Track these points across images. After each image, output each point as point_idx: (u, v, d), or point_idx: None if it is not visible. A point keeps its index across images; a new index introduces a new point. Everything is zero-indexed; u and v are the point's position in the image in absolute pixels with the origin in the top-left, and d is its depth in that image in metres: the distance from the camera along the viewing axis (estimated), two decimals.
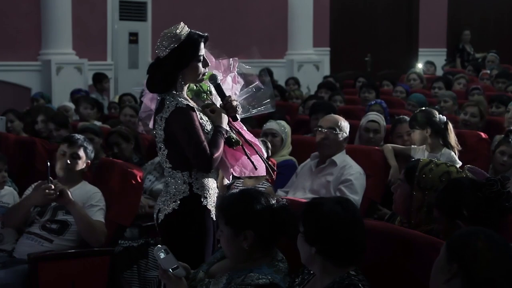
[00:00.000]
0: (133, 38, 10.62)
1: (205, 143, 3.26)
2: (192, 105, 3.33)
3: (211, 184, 3.39)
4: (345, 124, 4.82)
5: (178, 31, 3.29)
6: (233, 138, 3.40)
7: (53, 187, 4.12)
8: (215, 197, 3.39)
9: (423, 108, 5.24)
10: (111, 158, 5.30)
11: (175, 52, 3.28)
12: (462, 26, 13.60)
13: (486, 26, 14.80)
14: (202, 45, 3.36)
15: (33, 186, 4.40)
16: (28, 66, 9.84)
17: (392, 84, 9.55)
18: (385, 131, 5.61)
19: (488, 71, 10.14)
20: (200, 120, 3.32)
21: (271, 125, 5.33)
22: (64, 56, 9.91)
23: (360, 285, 2.57)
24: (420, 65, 12.07)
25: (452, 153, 4.80)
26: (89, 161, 4.47)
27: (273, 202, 2.92)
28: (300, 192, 4.71)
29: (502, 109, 6.67)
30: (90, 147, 4.48)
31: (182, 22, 3.37)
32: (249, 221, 2.87)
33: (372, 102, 6.97)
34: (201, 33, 3.38)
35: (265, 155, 3.54)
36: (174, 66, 3.31)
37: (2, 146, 5.69)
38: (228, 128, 3.41)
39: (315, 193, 4.61)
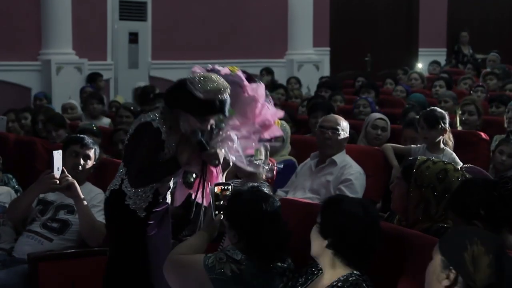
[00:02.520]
0: (133, 38, 10.62)
1: (146, 166, 3.35)
2: (161, 130, 3.36)
3: (145, 190, 3.46)
4: (345, 124, 4.83)
5: (212, 86, 3.29)
6: (189, 180, 3.46)
7: (55, 175, 4.10)
8: (147, 201, 3.45)
9: (428, 109, 5.20)
10: (113, 156, 5.32)
11: (192, 97, 3.29)
12: (462, 26, 13.60)
13: (486, 26, 14.80)
14: (217, 115, 3.36)
15: None
16: (28, 66, 9.83)
17: (395, 83, 9.57)
18: (390, 132, 5.62)
19: (489, 70, 10.16)
20: (165, 150, 3.39)
21: None
22: (64, 56, 9.91)
23: (364, 285, 2.57)
24: (420, 65, 12.07)
25: (454, 154, 4.81)
26: (95, 162, 4.52)
27: (268, 211, 2.92)
28: (300, 192, 4.71)
29: (502, 109, 6.67)
30: (98, 149, 4.54)
31: (228, 87, 3.34)
32: (236, 225, 2.94)
33: (358, 98, 7.08)
34: (224, 108, 3.35)
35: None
36: (181, 102, 3.35)
37: (2, 146, 5.69)
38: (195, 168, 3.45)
39: (315, 193, 4.61)
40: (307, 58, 12.34)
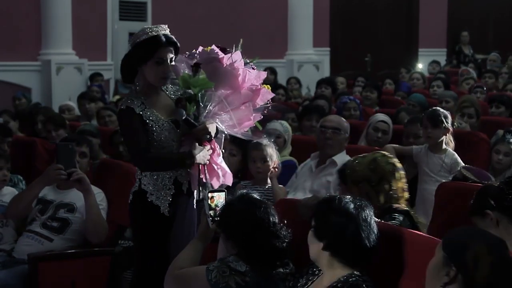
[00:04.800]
0: None
1: (140, 144, 3.37)
2: (133, 106, 3.39)
3: (163, 181, 3.44)
4: (346, 125, 4.84)
5: (150, 29, 3.41)
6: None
7: (61, 166, 4.08)
8: (170, 194, 3.44)
9: (431, 109, 5.18)
10: (113, 156, 5.32)
11: (138, 46, 3.39)
12: (462, 26, 13.60)
13: (486, 26, 14.79)
14: (167, 49, 3.41)
15: None
16: (28, 66, 9.84)
17: (394, 83, 9.54)
18: (391, 133, 5.59)
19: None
20: (147, 121, 3.39)
21: (275, 125, 5.33)
22: (64, 56, 9.91)
23: (364, 285, 2.56)
24: (420, 65, 12.07)
25: (456, 155, 4.81)
26: (91, 160, 4.55)
27: (262, 217, 2.89)
28: (300, 192, 4.70)
29: (502, 109, 6.66)
30: (94, 146, 4.62)
31: (166, 25, 3.47)
32: (232, 236, 2.90)
33: (347, 100, 7.00)
34: (171, 39, 3.43)
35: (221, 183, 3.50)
36: (134, 60, 3.43)
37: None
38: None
39: (316, 193, 4.60)
40: (307, 58, 12.33)
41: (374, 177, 3.21)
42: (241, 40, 3.60)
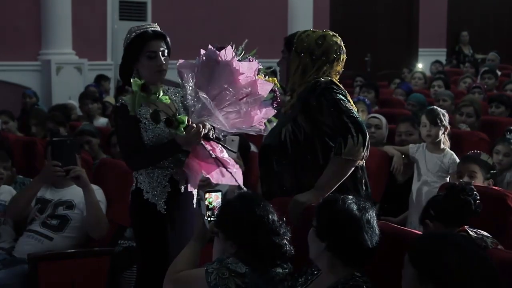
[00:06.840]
0: None
1: (131, 144, 3.38)
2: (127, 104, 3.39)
3: (158, 179, 3.44)
4: None
5: (136, 28, 3.44)
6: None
7: (58, 163, 4.04)
8: (166, 192, 3.43)
9: (429, 108, 5.19)
10: (113, 157, 5.33)
11: (128, 45, 3.44)
12: (462, 26, 13.59)
13: (486, 26, 14.79)
14: (156, 41, 3.43)
15: None
16: (28, 66, 9.84)
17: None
18: (387, 129, 5.62)
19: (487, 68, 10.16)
20: (141, 119, 3.40)
21: None
22: (64, 56, 9.91)
23: (364, 286, 2.56)
24: (420, 65, 12.06)
25: (454, 155, 4.81)
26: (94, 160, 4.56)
27: (262, 215, 2.85)
28: None
29: (502, 109, 6.66)
30: (91, 147, 4.60)
31: (156, 23, 3.53)
32: (231, 235, 2.86)
33: (356, 100, 6.93)
34: (159, 32, 3.47)
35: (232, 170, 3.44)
36: (128, 59, 3.47)
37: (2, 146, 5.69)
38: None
39: None
40: None
41: (318, 51, 3.40)
42: (246, 40, 3.61)
